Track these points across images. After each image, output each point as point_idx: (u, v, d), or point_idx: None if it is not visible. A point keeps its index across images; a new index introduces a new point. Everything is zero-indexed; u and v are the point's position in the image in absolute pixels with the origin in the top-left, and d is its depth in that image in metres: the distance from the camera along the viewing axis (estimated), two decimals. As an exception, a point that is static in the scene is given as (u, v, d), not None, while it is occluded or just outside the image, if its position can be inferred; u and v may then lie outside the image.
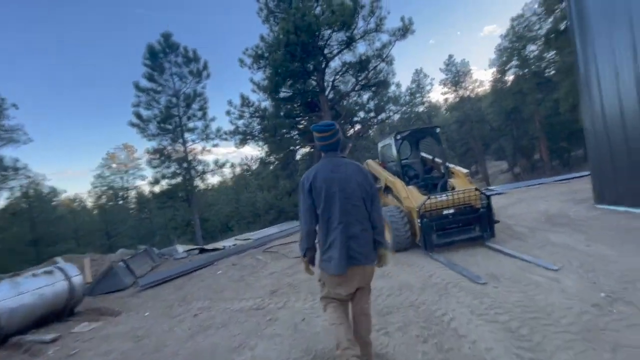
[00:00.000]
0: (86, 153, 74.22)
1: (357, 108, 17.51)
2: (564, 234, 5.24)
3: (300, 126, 18.29)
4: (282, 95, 15.82)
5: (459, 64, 44.51)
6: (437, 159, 6.70)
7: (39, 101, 61.86)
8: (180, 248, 9.28)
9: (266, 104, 16.52)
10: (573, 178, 13.05)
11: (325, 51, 15.23)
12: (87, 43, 67.34)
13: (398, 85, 22.55)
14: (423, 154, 7.28)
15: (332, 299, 2.29)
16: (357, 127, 18.77)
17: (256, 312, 4.03)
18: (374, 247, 2.30)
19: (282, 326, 3.48)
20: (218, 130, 17.62)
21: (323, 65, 15.85)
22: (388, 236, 5.92)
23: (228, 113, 16.10)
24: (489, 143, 45.43)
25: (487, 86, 45.74)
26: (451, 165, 6.34)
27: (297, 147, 17.75)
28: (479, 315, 3.02)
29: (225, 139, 16.95)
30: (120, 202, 38.69)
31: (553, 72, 34.41)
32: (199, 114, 18.04)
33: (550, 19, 29.82)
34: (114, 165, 40.01)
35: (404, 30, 13.78)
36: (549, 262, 4.06)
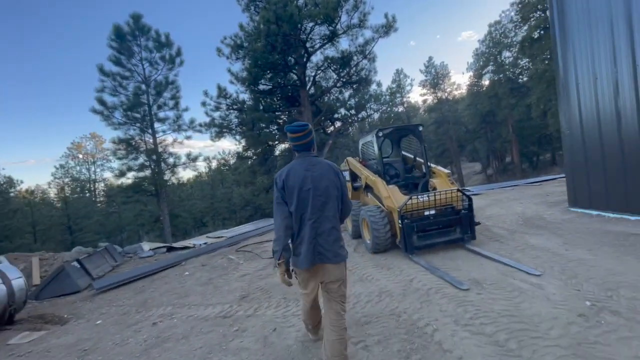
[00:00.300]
0: (52, 142, 69.62)
1: (337, 105, 17.24)
2: (543, 237, 5.21)
3: (280, 121, 17.81)
4: (261, 87, 15.27)
5: (438, 66, 45.32)
6: (418, 159, 6.54)
7: (-4, 84, 57.20)
8: (146, 246, 8.64)
9: (244, 96, 15.91)
10: (544, 181, 13.47)
11: (307, 45, 14.82)
12: (51, 22, 62.86)
13: (379, 84, 22.56)
14: (404, 153, 7.11)
15: (306, 297, 2.42)
16: (338, 124, 18.53)
17: (223, 321, 3.65)
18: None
19: (251, 338, 3.13)
20: (191, 121, 16.78)
21: (304, 59, 15.44)
22: (367, 236, 5.70)
23: (204, 104, 15.34)
24: (464, 145, 46.77)
25: (464, 89, 46.90)
26: (433, 165, 6.19)
27: (276, 143, 17.28)
28: (464, 326, 2.81)
29: (200, 131, 16.18)
30: (87, 194, 36.50)
31: (526, 78, 35.89)
32: (171, 103, 16.92)
33: (525, 27, 30.88)
34: (80, 156, 37.70)
35: (387, 28, 13.63)
36: (530, 266, 3.95)
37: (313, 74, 16.34)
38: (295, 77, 16.03)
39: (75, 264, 6.04)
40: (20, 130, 62.49)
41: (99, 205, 35.55)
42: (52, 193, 33.42)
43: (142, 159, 15.73)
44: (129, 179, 15.74)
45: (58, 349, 3.54)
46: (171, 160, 16.85)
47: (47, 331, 4.15)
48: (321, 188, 2.21)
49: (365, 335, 2.87)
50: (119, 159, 15.19)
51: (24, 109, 60.59)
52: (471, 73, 43.36)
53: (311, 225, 2.17)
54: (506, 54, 38.61)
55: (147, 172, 15.65)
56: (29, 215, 22.03)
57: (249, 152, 17.65)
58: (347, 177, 7.52)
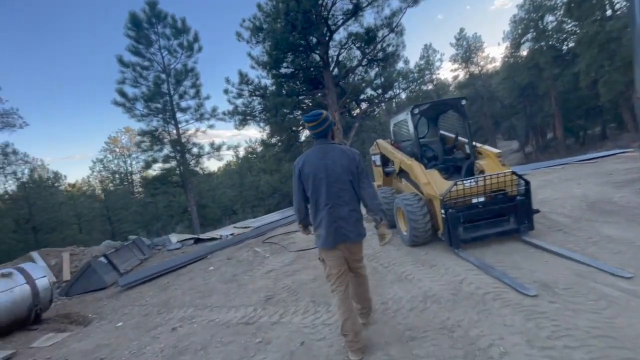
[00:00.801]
0: (95, 137, 73.93)
1: (363, 85, 16.30)
2: (618, 226, 4.34)
3: (304, 105, 17.22)
4: (283, 71, 14.67)
5: (470, 38, 42.19)
6: (460, 138, 5.74)
7: (45, 84, 61.17)
8: (174, 238, 8.58)
9: (266, 81, 15.41)
10: (601, 157, 11.94)
11: (329, 22, 13.92)
12: (86, 18, 65.33)
13: (406, 61, 21.07)
14: (443, 132, 6.33)
15: (336, 278, 2.41)
16: (364, 105, 17.62)
17: (245, 329, 3.27)
18: (376, 225, 2.52)
19: (275, 353, 2.71)
20: (214, 109, 16.36)
21: (327, 38, 14.57)
22: (404, 227, 5.11)
23: (226, 92, 15.05)
24: (499, 121, 43.71)
25: (497, 62, 43.36)
26: (478, 145, 5.38)
27: (300, 128, 16.75)
28: (542, 350, 2.19)
29: (223, 120, 15.87)
30: (126, 185, 38.34)
31: (572, 44, 32.44)
32: (192, 91, 16.42)
33: (572, -15, 27.49)
34: (116, 150, 39.49)
35: (416, -5, 12.40)
36: (615, 266, 3.19)
37: (336, 53, 15.45)
38: (317, 57, 15.26)
39: (103, 259, 5.99)
40: (67, 126, 66.60)
41: (136, 196, 37.20)
42: (92, 186, 35.36)
43: (166, 150, 15.72)
44: (155, 170, 16.04)
45: (76, 356, 3.34)
46: (195, 150, 16.59)
47: (70, 333, 4.02)
48: (334, 175, 2.34)
49: (412, 357, 2.34)
50: (144, 151, 15.32)
51: (70, 106, 64.33)
52: (507, 43, 39.85)
53: (328, 210, 2.34)
54: (549, 18, 34.89)
55: (173, 164, 15.61)
56: (74, 208, 23.40)
57: (274, 139, 17.29)
58: (378, 162, 6.90)
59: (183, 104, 16.19)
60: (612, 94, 22.57)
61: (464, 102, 5.33)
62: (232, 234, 8.71)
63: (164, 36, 15.14)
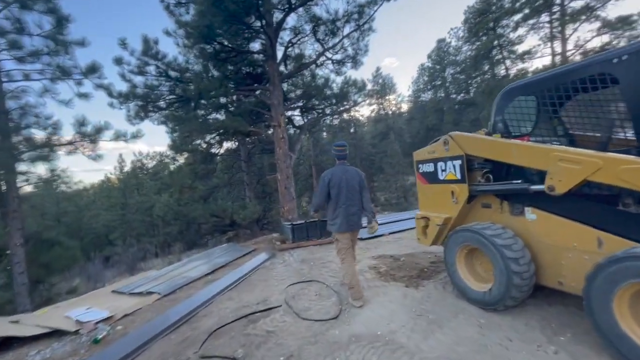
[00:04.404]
0: None
1: (314, 88, 13.26)
2: None
3: (230, 106, 13.02)
4: (215, 47, 10.35)
5: (385, 77, 45.13)
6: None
7: None
8: None
9: (183, 56, 10.77)
10: None
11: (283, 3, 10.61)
12: None
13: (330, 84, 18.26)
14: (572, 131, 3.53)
15: (345, 251, 3.83)
16: (311, 115, 14.55)
17: None
18: (369, 220, 4.05)
19: None
20: (92, 67, 8.64)
21: (275, 22, 11.15)
22: None
23: (119, 62, 9.71)
24: (407, 157, 47.05)
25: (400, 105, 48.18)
26: None
27: (229, 134, 12.34)
28: None
29: (111, 104, 10.01)
30: None
31: (466, 95, 37.80)
32: (48, 21, 8.16)
33: (475, 46, 31.69)
34: None
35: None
36: None
37: (286, 43, 12.09)
38: (260, 45, 11.67)
39: None
40: None
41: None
42: None
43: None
44: None
45: None
46: (39, 132, 8.23)
47: None
48: (350, 186, 3.79)
49: None
50: None
51: None
52: (414, 87, 44.65)
53: (345, 208, 3.73)
54: (450, 71, 40.31)
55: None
56: None
57: (189, 145, 12.33)
58: (447, 173, 3.68)
59: (25, 40, 7.99)
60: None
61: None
62: (107, 318, 3.89)
63: None
